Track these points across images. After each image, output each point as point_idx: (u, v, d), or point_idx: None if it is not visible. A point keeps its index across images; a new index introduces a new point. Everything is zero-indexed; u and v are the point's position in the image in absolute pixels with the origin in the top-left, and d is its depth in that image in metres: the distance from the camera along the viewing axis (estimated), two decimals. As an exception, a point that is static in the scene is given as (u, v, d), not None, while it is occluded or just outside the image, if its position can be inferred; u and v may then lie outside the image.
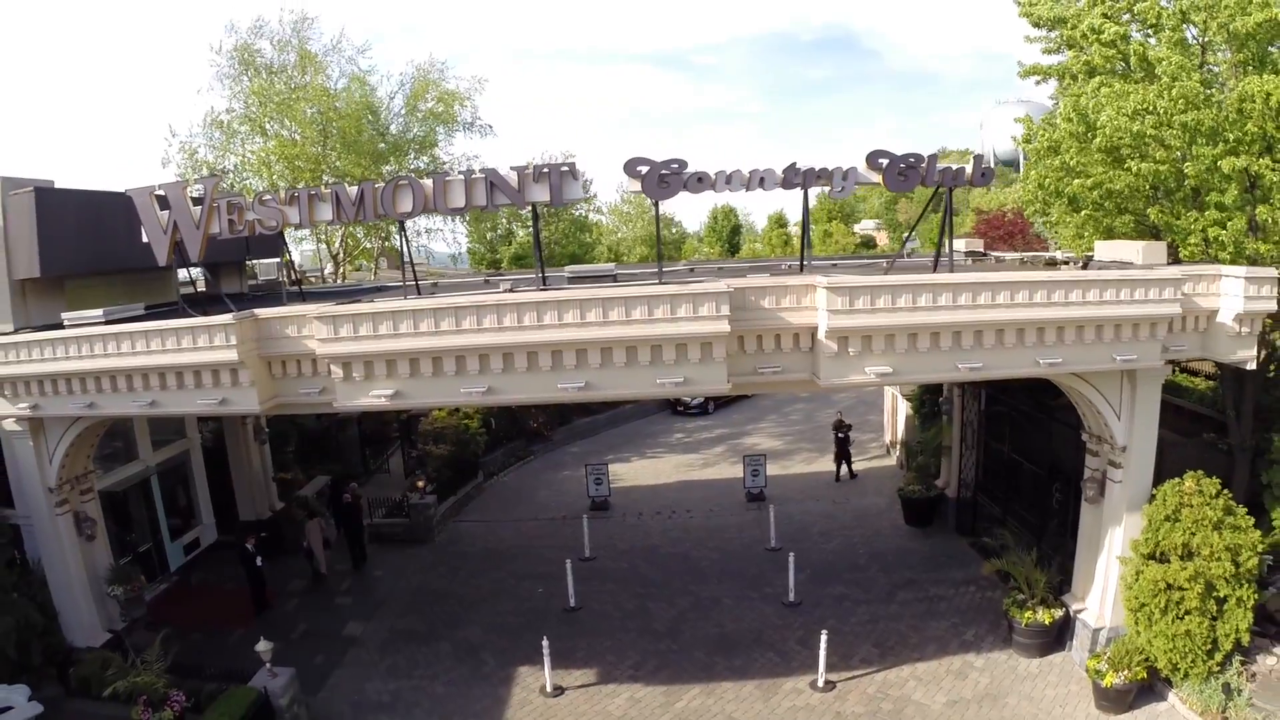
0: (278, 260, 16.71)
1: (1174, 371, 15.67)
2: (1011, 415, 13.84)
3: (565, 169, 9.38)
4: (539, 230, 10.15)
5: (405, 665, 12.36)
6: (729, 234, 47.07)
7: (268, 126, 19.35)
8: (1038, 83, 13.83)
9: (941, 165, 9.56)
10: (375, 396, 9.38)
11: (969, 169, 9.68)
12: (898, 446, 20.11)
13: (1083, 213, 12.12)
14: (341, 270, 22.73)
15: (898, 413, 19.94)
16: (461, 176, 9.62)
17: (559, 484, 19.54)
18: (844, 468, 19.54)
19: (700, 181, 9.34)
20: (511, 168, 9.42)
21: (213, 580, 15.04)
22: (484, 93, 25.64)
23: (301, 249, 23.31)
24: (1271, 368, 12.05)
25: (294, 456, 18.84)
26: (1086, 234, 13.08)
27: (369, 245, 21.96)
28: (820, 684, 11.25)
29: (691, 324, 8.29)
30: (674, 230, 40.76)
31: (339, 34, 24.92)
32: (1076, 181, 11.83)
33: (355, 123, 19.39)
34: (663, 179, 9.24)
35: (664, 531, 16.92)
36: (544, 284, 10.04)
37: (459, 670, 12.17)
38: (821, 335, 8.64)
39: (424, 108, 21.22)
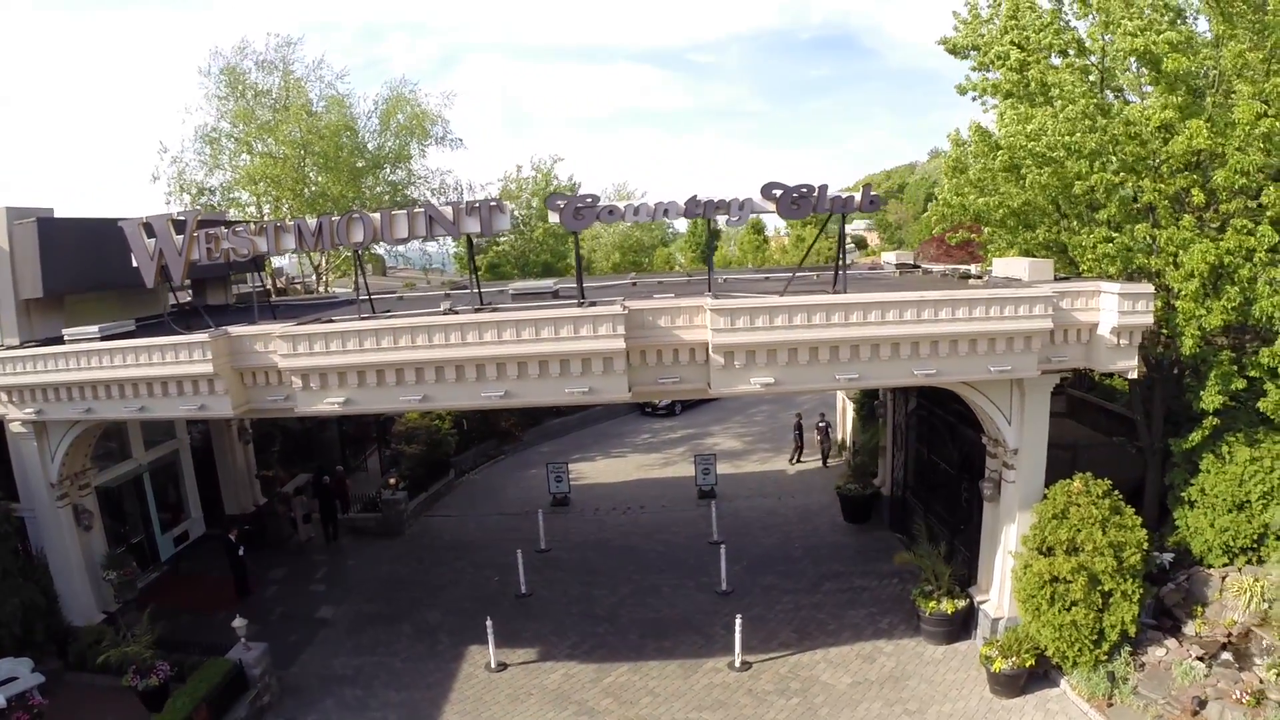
0: (261, 274, 18.48)
1: (1101, 376, 16.94)
2: (931, 419, 15.25)
3: (494, 204, 10.97)
4: (473, 257, 11.74)
5: (369, 644, 14.09)
6: (706, 240, 49.30)
7: (253, 145, 21.20)
8: (973, 99, 15.09)
9: (832, 194, 11.02)
10: (329, 403, 11.07)
11: (858, 197, 11.12)
12: (847, 447, 21.65)
13: (987, 230, 13.45)
14: (325, 279, 24.54)
15: (847, 414, 21.42)
16: (404, 211, 11.25)
17: (526, 481, 21.23)
18: (799, 456, 22.57)
19: (611, 214, 10.91)
20: (446, 203, 11.10)
21: (200, 569, 16.88)
22: (453, 107, 27.67)
23: (290, 258, 25.21)
24: (1182, 374, 13.18)
25: (278, 456, 20.70)
26: (1014, 249, 14.27)
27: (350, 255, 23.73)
28: (737, 664, 12.78)
29: (592, 341, 9.86)
30: (657, 234, 42.43)
31: (319, 59, 27.16)
32: (980, 200, 13.19)
33: (334, 142, 21.18)
34: (578, 212, 10.81)
35: (617, 526, 18.57)
36: (481, 303, 11.65)
37: (417, 648, 13.88)
38: (710, 350, 10.17)
39: (396, 123, 22.98)
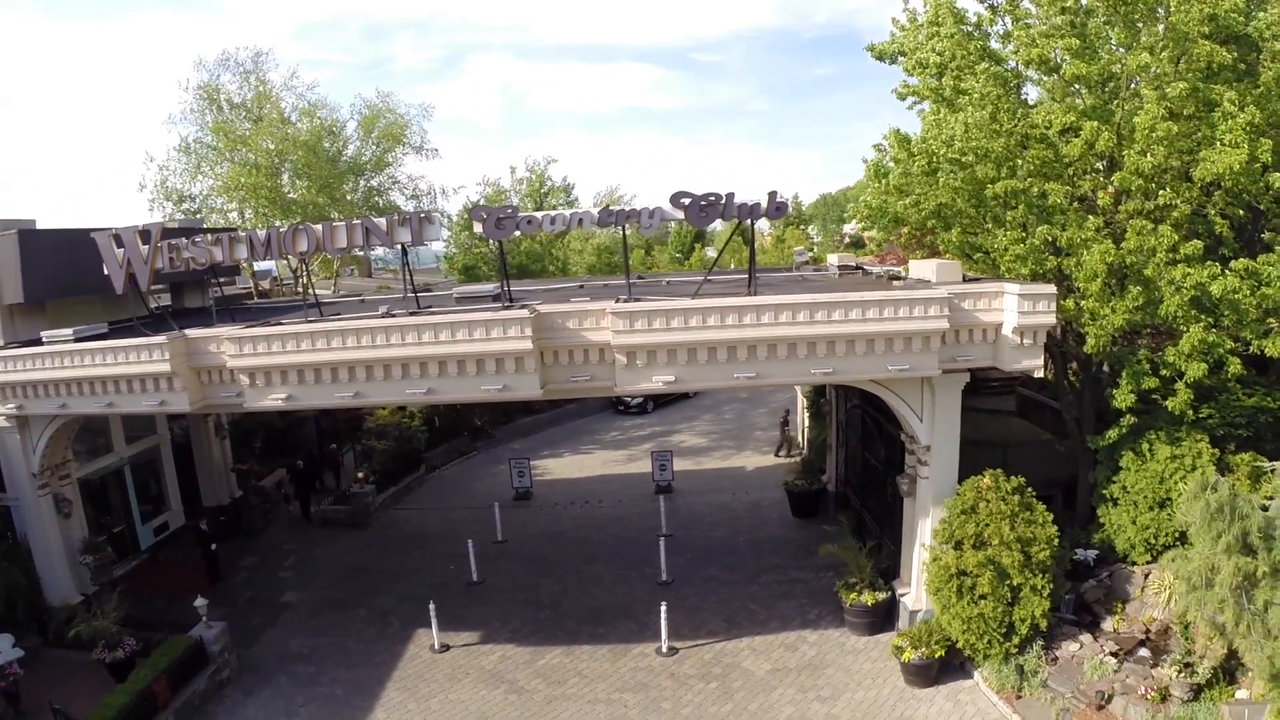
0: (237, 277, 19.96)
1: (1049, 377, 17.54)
2: (865, 417, 16.10)
3: (423, 215, 12.16)
4: (407, 263, 12.95)
5: (326, 626, 15.41)
6: (690, 241, 51.35)
7: (231, 155, 22.75)
8: (910, 107, 15.86)
9: (739, 201, 11.98)
10: (274, 399, 12.36)
11: (764, 203, 12.07)
12: (798, 445, 22.56)
13: (905, 230, 14.26)
14: (304, 282, 26.05)
15: (803, 412, 22.30)
16: (343, 223, 12.48)
17: (494, 477, 22.47)
18: (788, 450, 23.50)
19: (529, 223, 12.02)
20: (382, 216, 12.26)
21: (178, 558, 18.36)
22: (431, 119, 29.32)
23: (275, 261, 26.79)
24: (1114, 374, 13.77)
25: (259, 451, 22.22)
26: (951, 251, 14.97)
27: (330, 256, 25.26)
28: (664, 650, 13.81)
29: (503, 343, 10.98)
30: (641, 238, 44.11)
31: (291, 72, 29.26)
32: (900, 203, 14.00)
33: (309, 152, 22.65)
34: (499, 222, 11.94)
35: (573, 519, 19.72)
36: (418, 307, 12.84)
37: (369, 631, 15.16)
38: (613, 350, 11.22)
39: (378, 129, 24.43)
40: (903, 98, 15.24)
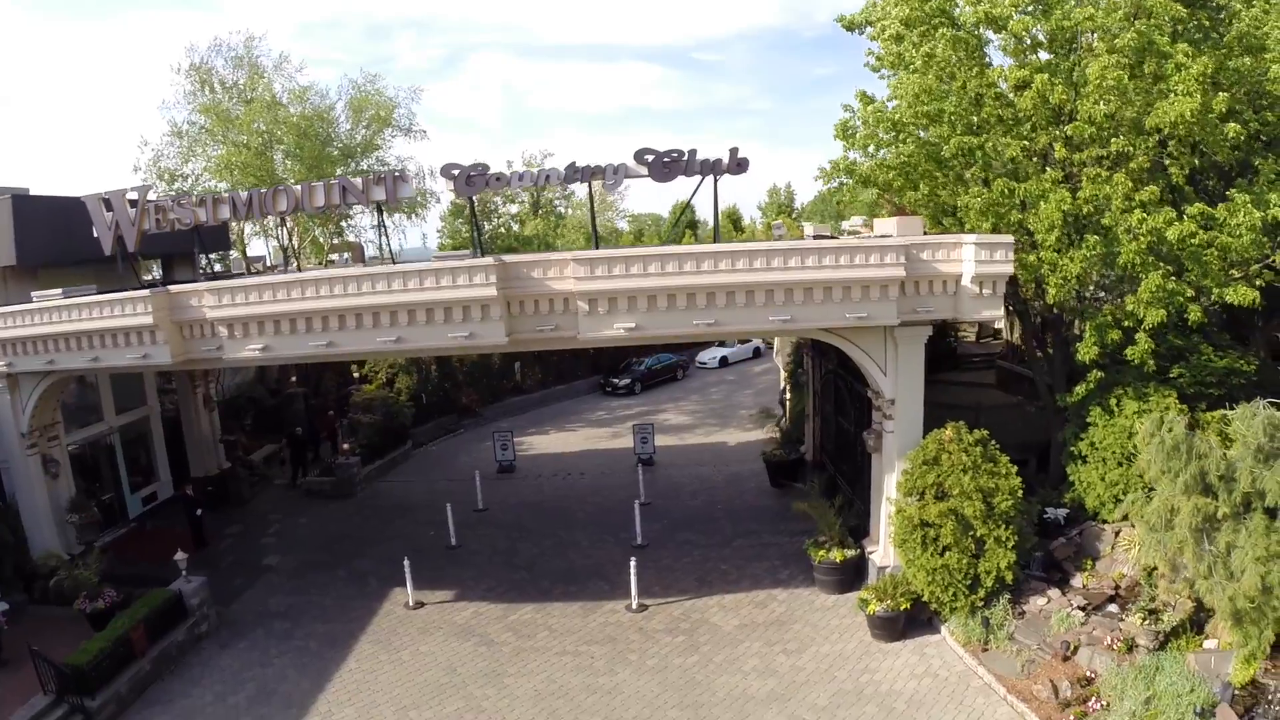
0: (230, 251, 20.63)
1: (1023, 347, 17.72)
2: (837, 382, 16.42)
3: (398, 175, 12.71)
4: (383, 222, 13.49)
5: (305, 586, 15.82)
6: (683, 228, 51.80)
7: (223, 136, 23.54)
8: (882, 77, 16.26)
9: (700, 158, 12.42)
10: (251, 350, 12.85)
11: (725, 159, 12.50)
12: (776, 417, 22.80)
13: (871, 190, 14.63)
14: (296, 264, 26.74)
15: (784, 384, 22.60)
16: (321, 183, 13.04)
17: (480, 452, 22.88)
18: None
19: (499, 180, 12.52)
20: (357, 176, 12.79)
21: (165, 526, 18.85)
22: (419, 101, 30.20)
23: (269, 244, 27.64)
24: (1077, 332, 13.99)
25: (249, 428, 22.80)
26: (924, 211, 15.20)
27: (322, 240, 25.96)
28: (634, 606, 14.11)
29: (469, 289, 11.43)
30: (635, 225, 44.89)
31: (281, 55, 30.26)
32: (865, 164, 14.39)
33: (299, 133, 23.40)
34: (470, 179, 12.45)
35: (554, 490, 20.10)
36: (394, 263, 13.34)
37: (347, 590, 15.56)
38: (575, 298, 11.64)
39: (368, 114, 25.22)
40: (876, 70, 15.72)
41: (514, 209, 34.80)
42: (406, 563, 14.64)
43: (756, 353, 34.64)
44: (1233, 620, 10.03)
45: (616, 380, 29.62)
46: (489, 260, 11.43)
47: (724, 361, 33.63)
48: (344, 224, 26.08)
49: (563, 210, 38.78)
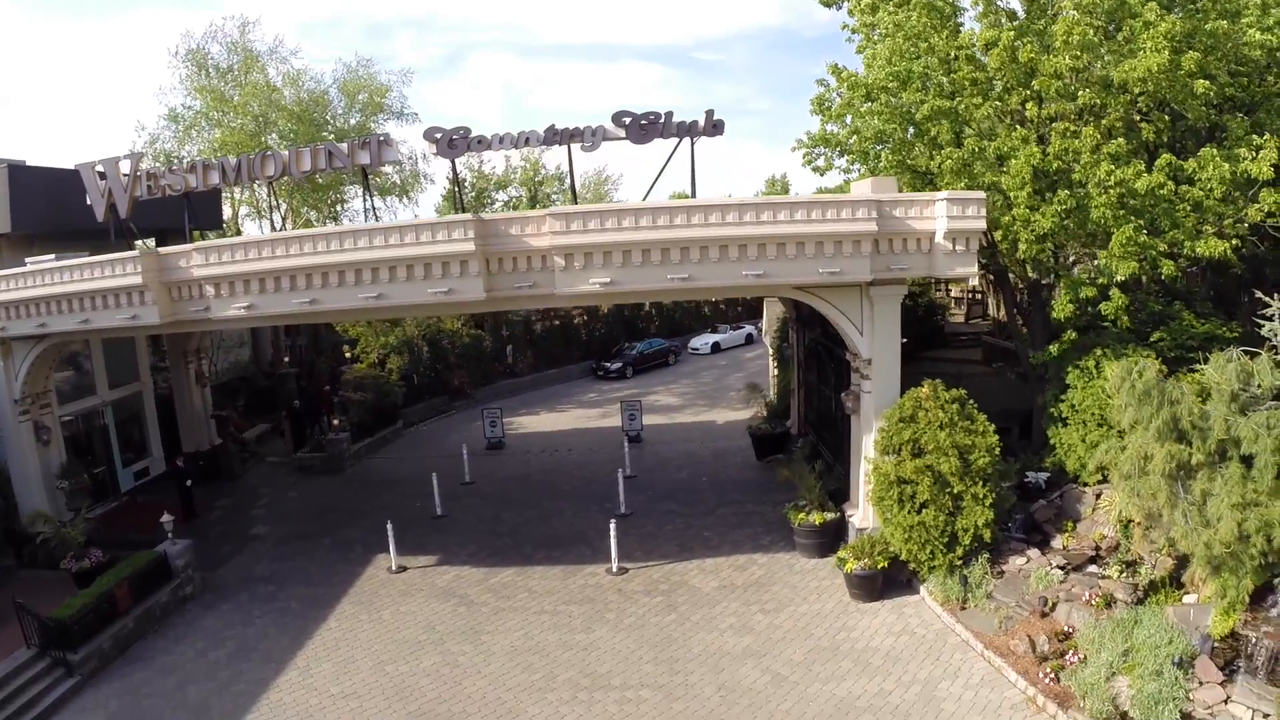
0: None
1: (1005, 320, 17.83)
2: (817, 350, 16.58)
3: (382, 139, 13.02)
4: (369, 184, 13.79)
5: (290, 554, 16.03)
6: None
7: (219, 119, 24.04)
8: (858, 50, 16.43)
9: (677, 120, 12.69)
10: (237, 308, 13.14)
11: (701, 122, 12.76)
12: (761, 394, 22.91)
13: (846, 158, 14.86)
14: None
15: (770, 361, 22.77)
16: (307, 148, 13.37)
17: (470, 431, 23.10)
18: None
19: (480, 143, 12.81)
20: (344, 141, 13.11)
21: (155, 500, 19.11)
22: (410, 84, 30.58)
23: (260, 225, 28.19)
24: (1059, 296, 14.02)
25: (242, 408, 23.13)
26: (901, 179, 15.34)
27: (315, 222, 26.38)
28: (614, 569, 14.25)
29: (448, 245, 11.70)
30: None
31: (277, 39, 30.85)
32: (840, 132, 14.62)
33: (294, 117, 23.90)
34: (452, 142, 12.76)
35: (541, 465, 20.31)
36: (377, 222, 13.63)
37: (332, 556, 15.77)
38: (551, 253, 11.88)
39: (361, 97, 25.77)
40: (850, 40, 15.94)
41: (507, 196, 35.28)
42: (390, 528, 14.84)
43: (749, 339, 34.78)
44: (1210, 568, 10.01)
45: (608, 364, 29.87)
46: (468, 216, 11.70)
47: (716, 347, 33.82)
48: (338, 208, 26.54)
49: (558, 200, 39.35)
